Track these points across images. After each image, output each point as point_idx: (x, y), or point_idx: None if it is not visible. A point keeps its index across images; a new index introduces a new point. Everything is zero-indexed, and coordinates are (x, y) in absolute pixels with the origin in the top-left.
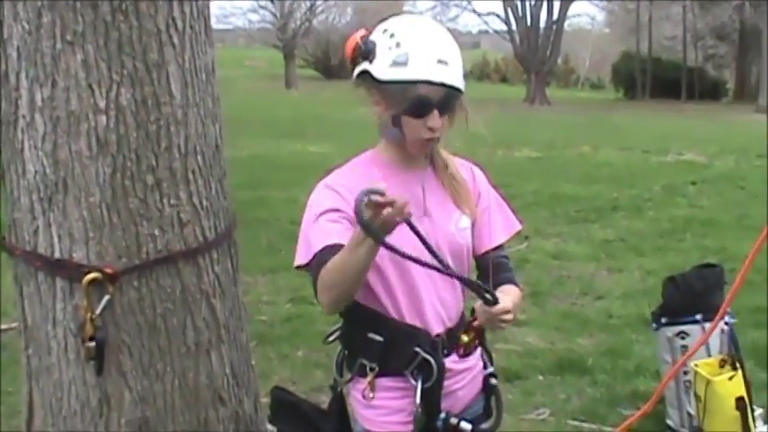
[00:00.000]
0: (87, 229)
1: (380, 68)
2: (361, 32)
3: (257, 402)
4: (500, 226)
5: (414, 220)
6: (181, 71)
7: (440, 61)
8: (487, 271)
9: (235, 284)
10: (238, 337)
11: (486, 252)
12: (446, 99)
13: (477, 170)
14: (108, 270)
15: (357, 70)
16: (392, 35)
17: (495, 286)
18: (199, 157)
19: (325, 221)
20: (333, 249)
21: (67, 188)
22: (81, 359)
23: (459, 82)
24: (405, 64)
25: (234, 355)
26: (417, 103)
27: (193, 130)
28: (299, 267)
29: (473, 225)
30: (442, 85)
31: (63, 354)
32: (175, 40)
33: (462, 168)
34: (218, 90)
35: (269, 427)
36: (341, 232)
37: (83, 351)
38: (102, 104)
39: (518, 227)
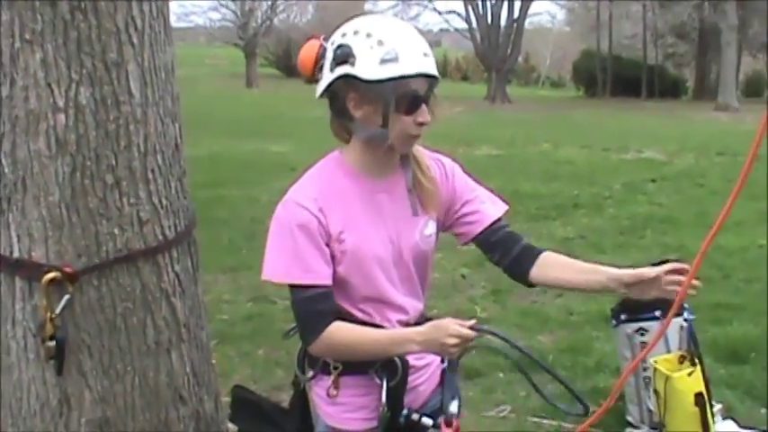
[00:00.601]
0: (47, 229)
1: (368, 68)
2: (317, 41)
3: (218, 401)
4: (490, 204)
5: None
6: (140, 70)
7: (424, 54)
8: (496, 246)
9: (195, 283)
10: (198, 336)
11: (487, 228)
12: (429, 91)
13: (447, 163)
14: (68, 269)
15: (331, 77)
16: (369, 35)
17: (520, 258)
18: (158, 156)
19: (301, 249)
20: (323, 293)
21: (26, 187)
22: (41, 359)
23: (437, 72)
24: (396, 60)
25: (194, 354)
26: (411, 98)
27: (153, 129)
28: (268, 281)
29: (459, 216)
30: (428, 76)
31: (23, 353)
32: (135, 40)
33: (432, 164)
34: (177, 89)
35: (230, 425)
36: (323, 270)
37: (43, 351)
38: (61, 103)
39: (505, 207)
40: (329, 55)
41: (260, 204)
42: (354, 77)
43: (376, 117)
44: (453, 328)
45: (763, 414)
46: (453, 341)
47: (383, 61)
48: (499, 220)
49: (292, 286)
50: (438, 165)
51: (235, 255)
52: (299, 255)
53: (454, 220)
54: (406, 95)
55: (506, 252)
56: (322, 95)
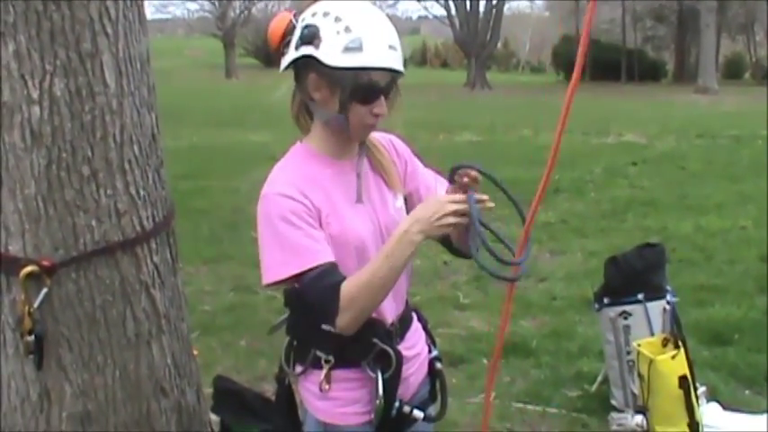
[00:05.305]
0: (23, 222)
1: (330, 54)
2: (287, 16)
3: (200, 392)
4: (437, 183)
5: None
6: (115, 60)
7: (390, 47)
8: None
9: (174, 274)
10: (179, 328)
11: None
12: (391, 84)
13: (395, 140)
14: (45, 263)
15: (295, 55)
16: (338, 19)
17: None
18: (135, 147)
19: (297, 236)
20: (328, 268)
21: (2, 181)
22: (20, 354)
23: (402, 66)
24: (359, 50)
25: (175, 346)
26: (368, 89)
27: (129, 120)
28: (272, 284)
29: (412, 192)
30: (391, 70)
31: (2, 349)
32: (109, 30)
33: (383, 143)
34: (153, 79)
35: (212, 416)
36: (323, 248)
37: (22, 345)
38: (35, 95)
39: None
40: (297, 32)
41: (240, 194)
42: (317, 60)
43: (333, 102)
44: (448, 200)
45: (748, 395)
46: (452, 208)
47: (347, 49)
48: None
49: (295, 278)
50: (388, 144)
51: (216, 246)
52: (294, 243)
53: (408, 196)
54: (364, 86)
55: None
56: (285, 70)
